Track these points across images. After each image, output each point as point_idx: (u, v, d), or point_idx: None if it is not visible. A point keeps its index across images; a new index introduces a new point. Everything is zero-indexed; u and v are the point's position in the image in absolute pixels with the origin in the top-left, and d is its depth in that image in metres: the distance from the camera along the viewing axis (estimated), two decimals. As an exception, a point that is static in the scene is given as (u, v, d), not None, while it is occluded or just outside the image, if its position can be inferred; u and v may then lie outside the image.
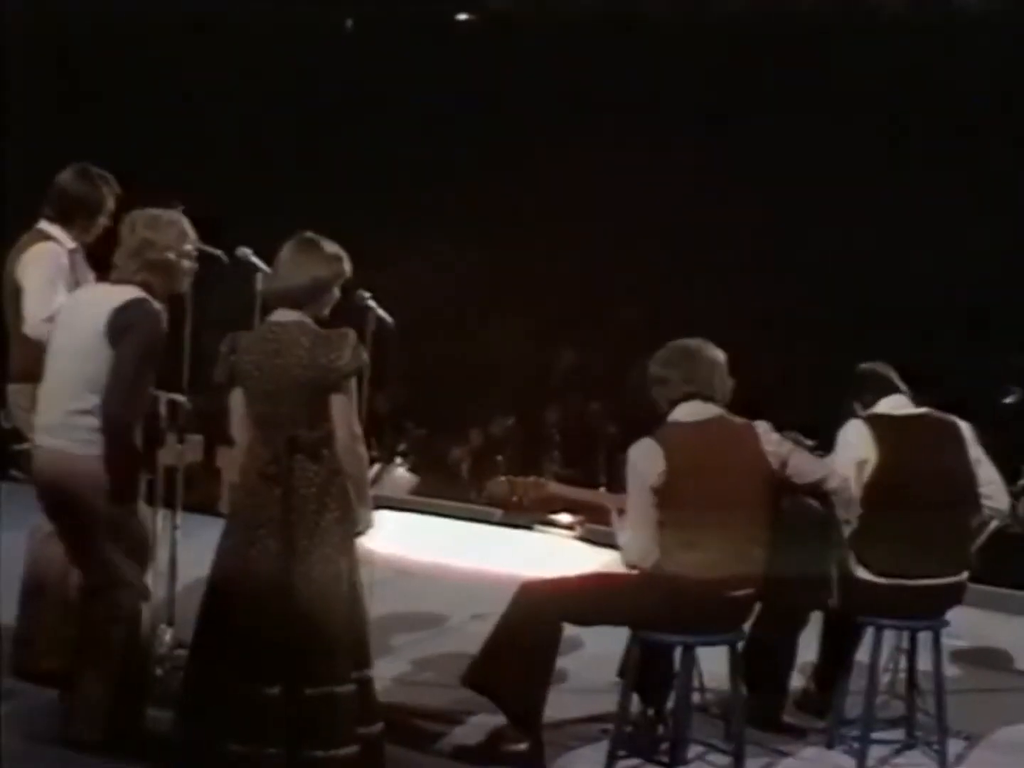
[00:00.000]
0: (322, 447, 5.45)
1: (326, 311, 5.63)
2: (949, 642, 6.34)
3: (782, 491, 5.85)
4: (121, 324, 5.70)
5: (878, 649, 6.16)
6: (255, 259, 6.66)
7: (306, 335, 5.47)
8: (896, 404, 6.33)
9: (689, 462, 5.70)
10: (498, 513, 10.78)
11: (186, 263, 5.97)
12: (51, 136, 11.50)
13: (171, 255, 5.89)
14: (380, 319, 6.69)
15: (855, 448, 6.15)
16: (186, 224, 5.99)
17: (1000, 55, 12.41)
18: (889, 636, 6.31)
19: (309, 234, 5.61)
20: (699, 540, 5.66)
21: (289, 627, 5.33)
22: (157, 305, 5.81)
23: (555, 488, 6.29)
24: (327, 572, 5.42)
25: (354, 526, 5.54)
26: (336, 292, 5.62)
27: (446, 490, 11.82)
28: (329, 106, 14.76)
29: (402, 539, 8.76)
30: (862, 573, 6.15)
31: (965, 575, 6.24)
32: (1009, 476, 11.48)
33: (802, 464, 5.87)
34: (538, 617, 5.88)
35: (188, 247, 5.96)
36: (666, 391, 5.90)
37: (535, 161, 14.05)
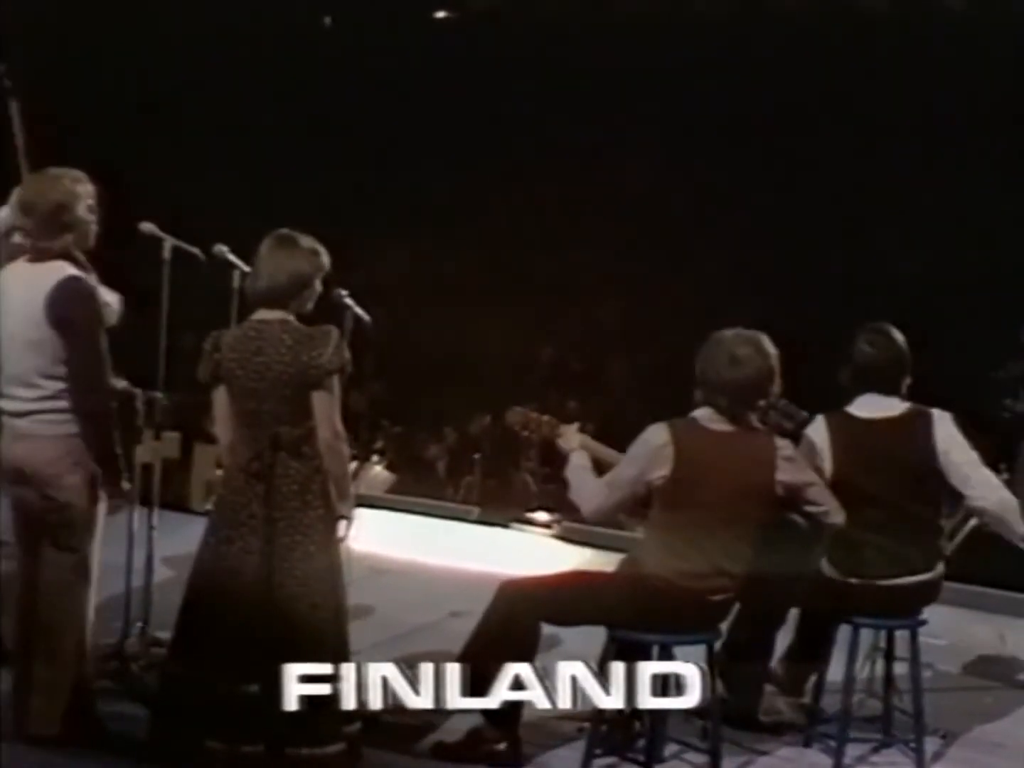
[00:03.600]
0: (304, 444, 5.46)
1: (309, 306, 5.62)
2: (927, 640, 6.33)
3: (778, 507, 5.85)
4: (60, 312, 5.58)
5: (855, 648, 6.15)
6: (231, 256, 6.62)
7: (289, 333, 5.48)
8: (870, 404, 6.22)
9: (696, 470, 5.66)
10: (475, 511, 10.79)
11: (94, 220, 5.86)
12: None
13: (85, 215, 5.76)
14: (357, 317, 6.67)
15: (811, 453, 6.10)
16: (86, 179, 5.83)
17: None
18: (866, 634, 6.31)
19: (285, 230, 5.59)
20: (685, 546, 5.66)
21: (272, 624, 5.33)
22: (86, 277, 5.69)
23: (566, 432, 6.24)
24: (309, 569, 5.43)
25: (336, 524, 5.54)
26: (318, 286, 5.63)
27: (423, 488, 11.81)
28: (311, 100, 14.76)
29: (379, 537, 8.73)
30: (832, 573, 6.16)
31: (938, 572, 6.22)
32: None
33: (817, 496, 5.81)
34: (517, 617, 5.86)
35: (92, 202, 5.82)
36: (701, 394, 5.83)
37: (519, 159, 14.06)
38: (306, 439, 5.46)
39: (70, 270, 5.66)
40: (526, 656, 5.84)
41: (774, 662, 6.62)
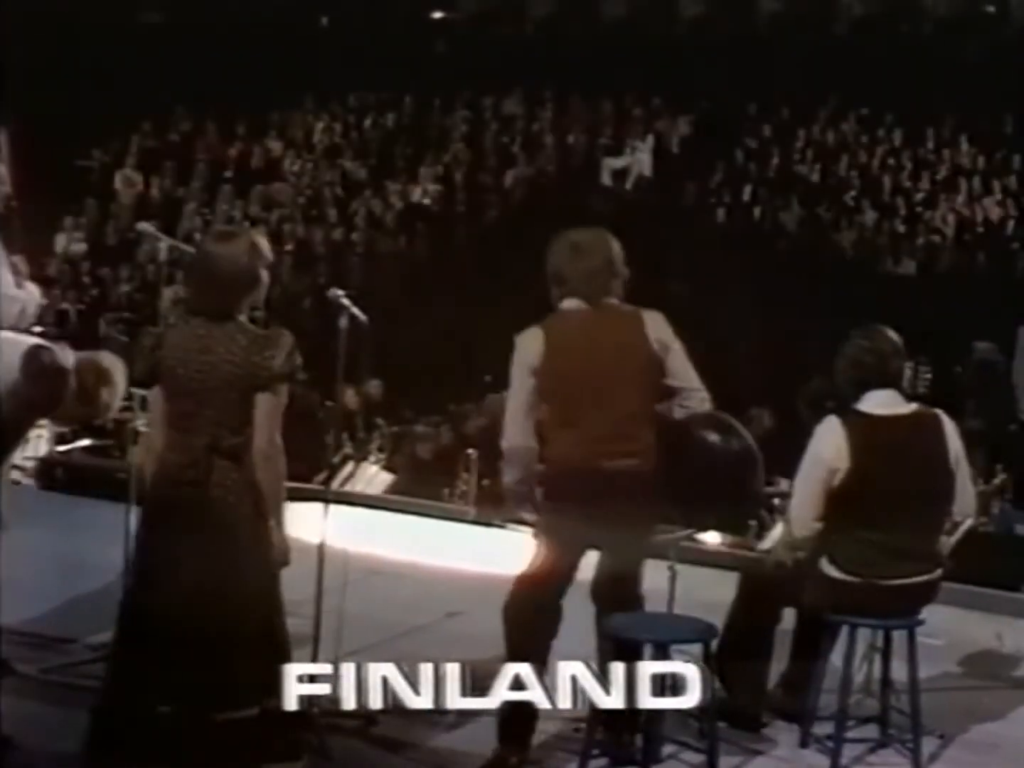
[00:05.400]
0: (244, 453, 5.25)
1: (260, 300, 5.48)
2: (924, 640, 6.32)
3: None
4: None
5: (852, 647, 6.14)
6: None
7: (243, 333, 5.31)
8: (880, 400, 6.14)
9: (567, 354, 5.77)
10: (471, 512, 10.77)
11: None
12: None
13: None
14: (353, 316, 6.66)
15: (829, 457, 6.03)
16: None
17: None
18: (863, 634, 6.30)
19: (224, 227, 5.51)
20: (576, 417, 5.74)
21: (203, 642, 5.18)
22: None
23: None
24: (242, 578, 5.26)
25: (270, 544, 5.32)
26: (265, 278, 5.47)
27: (418, 488, 11.79)
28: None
29: (374, 538, 8.72)
30: (833, 572, 6.12)
31: (939, 573, 6.22)
32: (985, 475, 11.55)
33: (681, 363, 5.88)
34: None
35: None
36: (557, 292, 5.93)
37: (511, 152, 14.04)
38: (245, 447, 5.25)
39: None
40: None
41: (772, 685, 6.61)
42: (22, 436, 5.86)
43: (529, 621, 5.84)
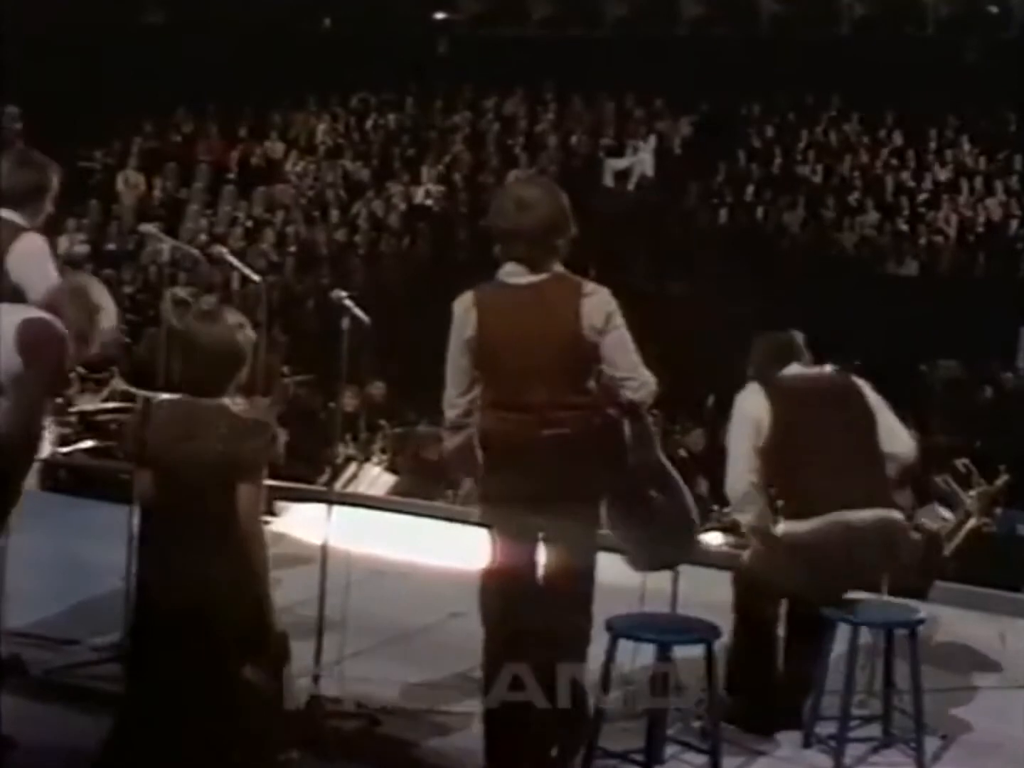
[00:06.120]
0: (228, 532, 5.17)
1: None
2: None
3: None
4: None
5: (854, 647, 6.15)
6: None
7: (225, 419, 5.23)
8: (797, 370, 6.58)
9: (499, 328, 5.60)
10: (475, 512, 10.75)
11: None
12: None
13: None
14: (356, 317, 6.66)
15: (753, 412, 6.37)
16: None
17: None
18: (864, 633, 6.32)
19: (206, 307, 5.40)
20: (503, 394, 5.62)
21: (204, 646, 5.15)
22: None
23: None
24: (234, 585, 5.20)
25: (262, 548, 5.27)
26: (247, 356, 5.40)
27: (421, 489, 11.79)
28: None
29: (377, 538, 8.73)
30: (793, 526, 6.33)
31: (897, 515, 6.43)
32: (988, 477, 11.57)
33: (615, 349, 5.59)
34: None
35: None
36: (499, 251, 5.71)
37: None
38: (228, 529, 5.16)
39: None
40: None
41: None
42: (41, 415, 5.80)
43: (497, 609, 5.71)
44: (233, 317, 5.40)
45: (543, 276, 5.63)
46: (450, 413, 5.76)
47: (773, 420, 6.33)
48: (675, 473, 5.94)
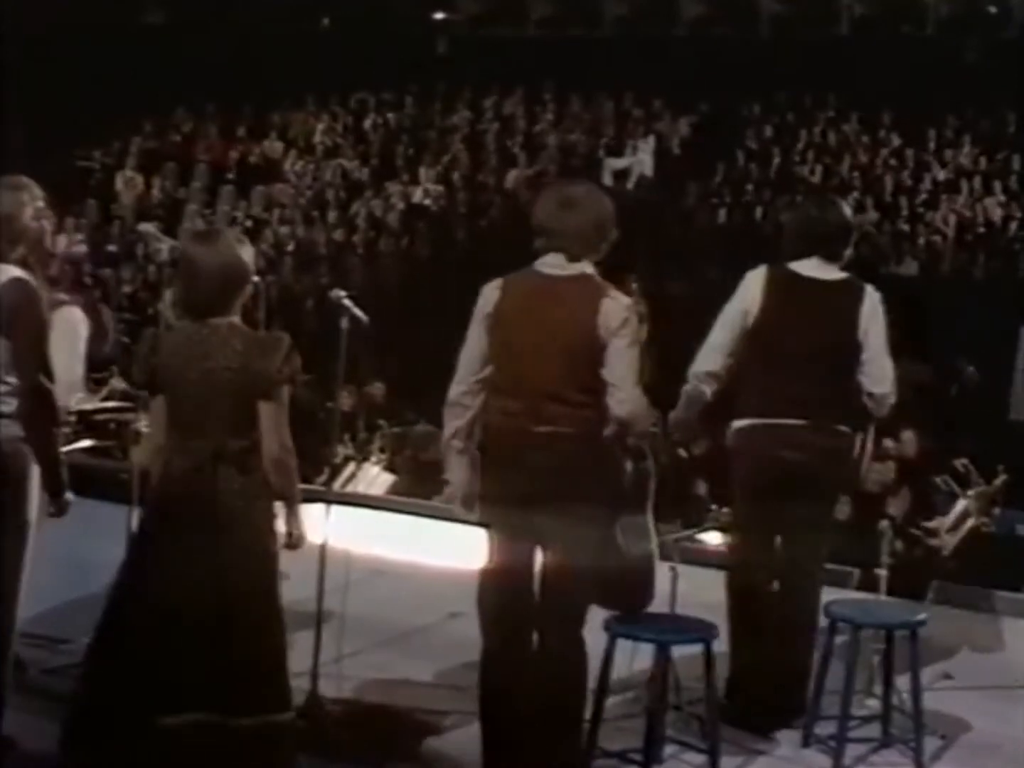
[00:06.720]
0: (250, 457, 5.19)
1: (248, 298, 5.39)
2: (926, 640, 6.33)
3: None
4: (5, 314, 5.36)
5: (854, 648, 6.15)
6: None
7: (239, 337, 5.22)
8: (813, 265, 6.46)
9: (517, 304, 5.59)
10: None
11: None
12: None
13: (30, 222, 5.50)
14: (355, 317, 6.66)
15: (745, 299, 6.43)
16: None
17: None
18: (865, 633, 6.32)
19: (201, 228, 5.39)
20: (508, 384, 5.59)
21: (208, 649, 5.11)
22: (31, 279, 5.42)
23: None
24: (248, 585, 5.19)
25: (276, 544, 5.26)
26: (251, 273, 5.36)
27: (420, 489, 11.79)
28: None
29: (376, 538, 8.73)
30: (740, 423, 6.46)
31: (845, 439, 6.41)
32: (987, 477, 11.55)
33: (615, 354, 5.50)
34: None
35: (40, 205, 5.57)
36: (540, 243, 5.67)
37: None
38: (251, 452, 5.18)
39: (14, 272, 5.39)
40: None
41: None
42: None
43: (493, 606, 5.69)
44: (231, 234, 5.38)
45: (575, 271, 5.62)
46: (454, 390, 5.72)
47: (759, 311, 6.40)
48: (653, 531, 5.85)
